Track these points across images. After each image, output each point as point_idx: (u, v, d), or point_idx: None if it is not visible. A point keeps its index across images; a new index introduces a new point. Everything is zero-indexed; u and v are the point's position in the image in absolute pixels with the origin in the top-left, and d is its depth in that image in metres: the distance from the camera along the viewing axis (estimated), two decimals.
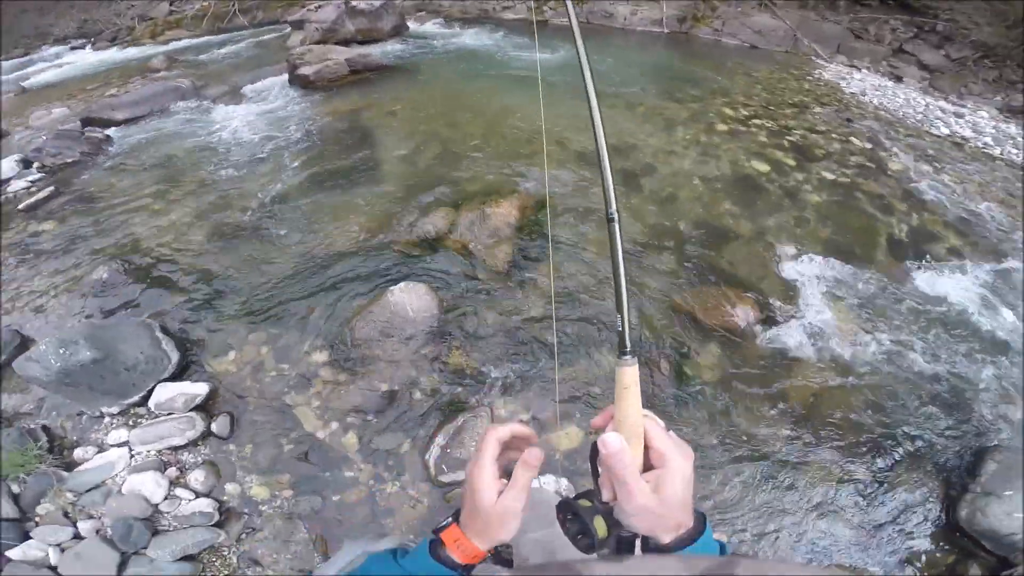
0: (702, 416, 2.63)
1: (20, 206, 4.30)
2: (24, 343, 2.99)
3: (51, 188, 4.51)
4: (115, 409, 2.61)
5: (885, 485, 2.44)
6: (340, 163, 4.38)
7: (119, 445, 2.48)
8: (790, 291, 3.33)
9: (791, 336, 3.03)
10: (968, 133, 6.24)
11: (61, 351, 2.58)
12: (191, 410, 2.58)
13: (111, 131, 5.49)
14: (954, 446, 2.61)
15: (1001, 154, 5.86)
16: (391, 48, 7.46)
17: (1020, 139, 6.32)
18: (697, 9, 8.83)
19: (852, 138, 5.31)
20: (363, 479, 2.35)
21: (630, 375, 0.63)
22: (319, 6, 8.05)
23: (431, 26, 8.73)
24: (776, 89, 6.47)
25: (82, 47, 11.99)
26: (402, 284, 2.94)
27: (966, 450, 2.59)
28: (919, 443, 2.61)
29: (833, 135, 5.30)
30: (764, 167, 4.47)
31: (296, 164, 4.43)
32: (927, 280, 3.58)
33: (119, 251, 3.55)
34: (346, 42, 7.39)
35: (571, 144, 4.51)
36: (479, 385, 2.67)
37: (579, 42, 0.89)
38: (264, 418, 2.56)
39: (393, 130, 4.91)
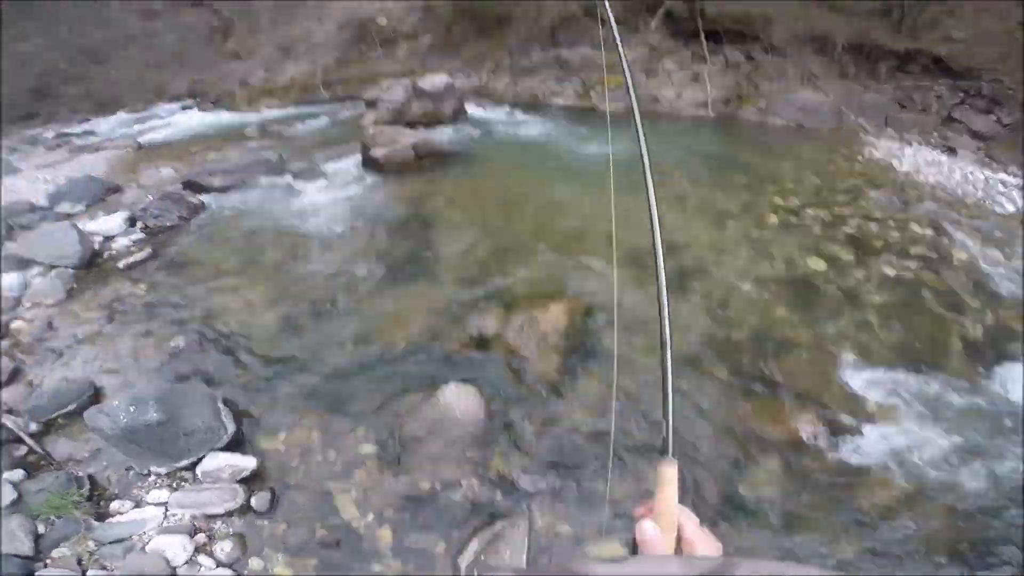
0: (763, 529, 2.54)
1: (120, 264, 4.85)
2: (97, 395, 3.33)
3: (149, 250, 5.02)
4: (164, 470, 2.80)
5: None
6: (402, 253, 4.72)
7: (157, 504, 2.62)
8: (856, 401, 3.23)
9: (860, 448, 2.93)
10: None
11: (131, 409, 2.83)
12: (236, 482, 2.72)
13: (207, 197, 6.09)
14: None
15: None
16: (451, 132, 8.00)
17: None
18: (741, 89, 9.09)
19: (912, 224, 5.21)
20: None
21: (670, 473, 0.72)
22: (390, 86, 8.78)
23: (487, 111, 9.31)
24: (826, 172, 6.46)
25: (191, 107, 13.70)
26: (452, 385, 3.07)
27: None
28: (1007, 556, 2.44)
29: (890, 222, 5.22)
30: (820, 265, 4.45)
31: (362, 250, 4.80)
32: (1007, 383, 3.37)
33: (197, 321, 3.95)
34: (412, 124, 8.01)
35: (623, 243, 4.58)
36: (519, 492, 2.70)
37: (644, 153, 0.95)
38: (304, 499, 2.66)
39: (451, 221, 5.22)
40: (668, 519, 0.69)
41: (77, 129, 13.49)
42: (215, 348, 3.67)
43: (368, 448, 2.90)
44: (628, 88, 1.09)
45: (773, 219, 5.19)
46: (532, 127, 8.31)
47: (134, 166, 8.07)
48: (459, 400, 3.00)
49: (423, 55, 12.15)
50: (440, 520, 2.59)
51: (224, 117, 11.52)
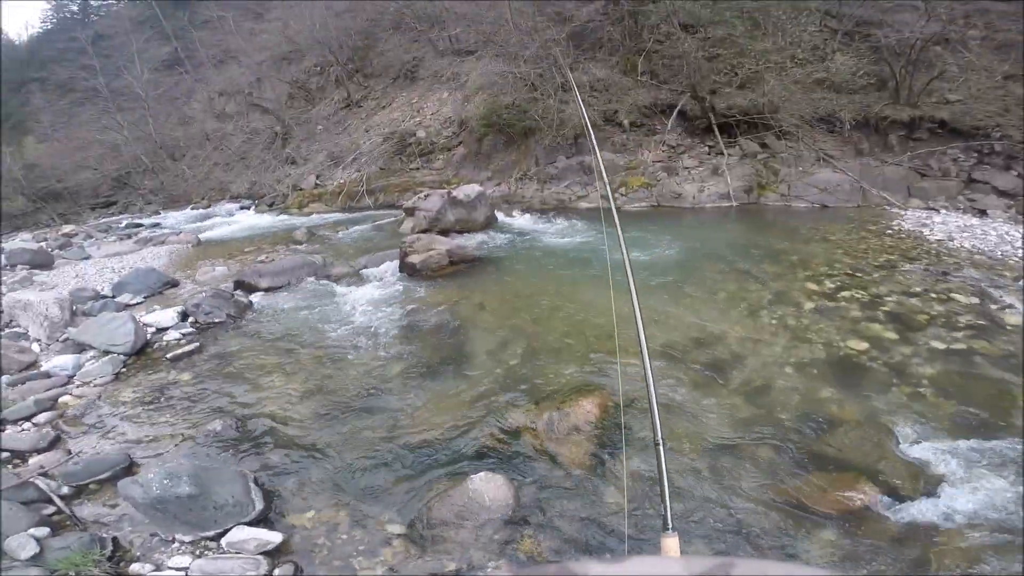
0: None
1: (168, 355, 5.13)
2: (131, 467, 3.51)
3: (197, 344, 5.33)
4: (188, 538, 2.80)
5: None
6: (435, 352, 4.87)
7: (178, 569, 2.60)
8: (915, 469, 3.07)
9: (921, 510, 2.78)
10: None
11: (165, 481, 2.93)
12: (260, 554, 2.70)
13: (255, 297, 6.48)
14: None
15: None
16: (483, 239, 8.43)
17: None
18: (760, 176, 9.49)
19: (954, 294, 5.13)
20: None
21: (672, 544, 0.82)
22: (427, 195, 9.52)
23: (516, 218, 9.81)
24: (857, 251, 6.50)
25: (247, 207, 15.01)
26: (482, 474, 3.10)
27: None
28: None
29: (932, 295, 5.16)
30: (862, 345, 4.37)
31: (397, 350, 4.97)
32: None
33: (236, 409, 4.12)
34: (446, 231, 8.57)
35: (655, 338, 4.64)
36: (519, 567, 2.66)
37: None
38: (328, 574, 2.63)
39: (483, 324, 5.39)
40: None
41: (147, 220, 15.03)
42: (251, 433, 3.85)
43: (395, 529, 2.93)
44: (606, 191, 1.42)
45: (809, 305, 5.18)
46: (559, 231, 8.66)
47: (192, 261, 8.76)
48: (488, 487, 3.04)
49: (457, 165, 13.28)
50: None
51: (277, 220, 12.47)
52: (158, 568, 2.71)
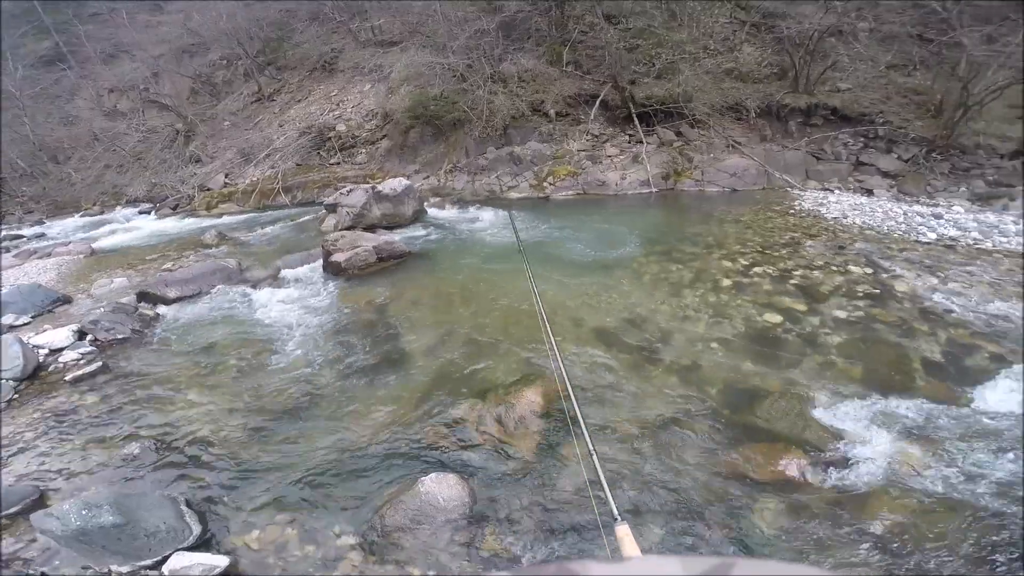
0: (780, 561, 2.54)
1: (67, 377, 4.67)
2: (42, 499, 3.26)
3: (99, 363, 4.85)
4: (124, 569, 2.64)
5: None
6: (369, 353, 4.68)
7: None
8: (836, 435, 3.33)
9: (849, 477, 3.02)
10: (953, 232, 6.57)
11: (84, 512, 2.76)
12: None
13: (162, 308, 5.89)
14: None
15: (993, 247, 6.13)
16: (412, 233, 8.18)
17: (1004, 226, 6.63)
18: (677, 164, 9.95)
19: (850, 266, 5.66)
20: None
21: (624, 531, 0.91)
22: (351, 190, 9.03)
23: (446, 210, 9.60)
24: (765, 230, 7.02)
25: (148, 212, 13.42)
26: (432, 475, 3.05)
27: None
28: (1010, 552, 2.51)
29: (832, 267, 5.67)
30: (776, 317, 4.74)
31: (329, 354, 4.73)
32: (978, 394, 3.59)
33: (154, 430, 3.81)
34: (372, 227, 8.17)
35: (587, 322, 4.85)
36: (519, 564, 2.66)
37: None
38: None
39: (417, 320, 5.26)
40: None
41: (29, 231, 13.29)
42: (174, 455, 3.58)
43: (350, 540, 2.82)
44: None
45: (726, 282, 5.52)
46: (490, 222, 8.60)
47: (86, 274, 7.84)
48: (441, 488, 2.99)
49: (382, 159, 12.80)
50: None
51: (183, 224, 11.39)
52: None
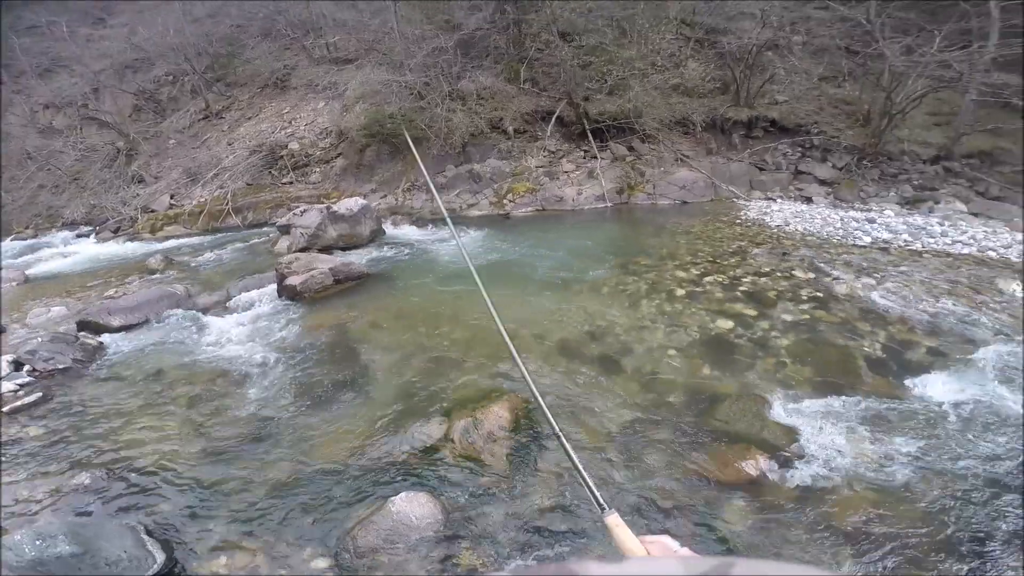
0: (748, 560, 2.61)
1: (5, 408, 4.41)
2: None
3: (39, 394, 4.62)
4: None
5: None
6: (330, 377, 4.57)
7: None
8: (793, 434, 3.48)
9: (808, 474, 3.14)
10: (886, 235, 7.06)
11: (38, 542, 2.67)
12: None
13: (105, 337, 5.56)
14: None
15: (923, 248, 6.62)
16: (370, 254, 8.02)
17: (931, 227, 7.18)
18: (630, 178, 10.28)
19: (794, 271, 5.99)
20: None
21: (614, 520, 0.88)
22: (304, 210, 8.79)
23: (405, 229, 9.50)
24: (715, 240, 7.34)
25: (87, 235, 12.59)
26: (403, 494, 3.00)
27: None
28: (979, 539, 2.66)
29: (777, 273, 5.97)
30: (728, 323, 4.95)
31: (288, 379, 4.59)
32: (919, 386, 3.84)
33: (104, 460, 3.64)
34: (329, 248, 7.97)
35: (550, 336, 4.92)
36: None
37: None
38: None
39: (378, 342, 5.16)
40: (638, 550, 0.81)
41: None
42: (128, 483, 3.42)
43: (323, 564, 2.76)
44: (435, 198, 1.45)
45: (680, 291, 5.73)
46: (450, 240, 8.49)
47: (19, 302, 7.33)
48: (412, 507, 2.95)
49: (337, 178, 12.61)
50: None
51: (125, 248, 10.83)
52: None
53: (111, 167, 15.91)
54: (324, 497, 3.22)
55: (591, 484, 1.01)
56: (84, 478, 3.47)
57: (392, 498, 3.00)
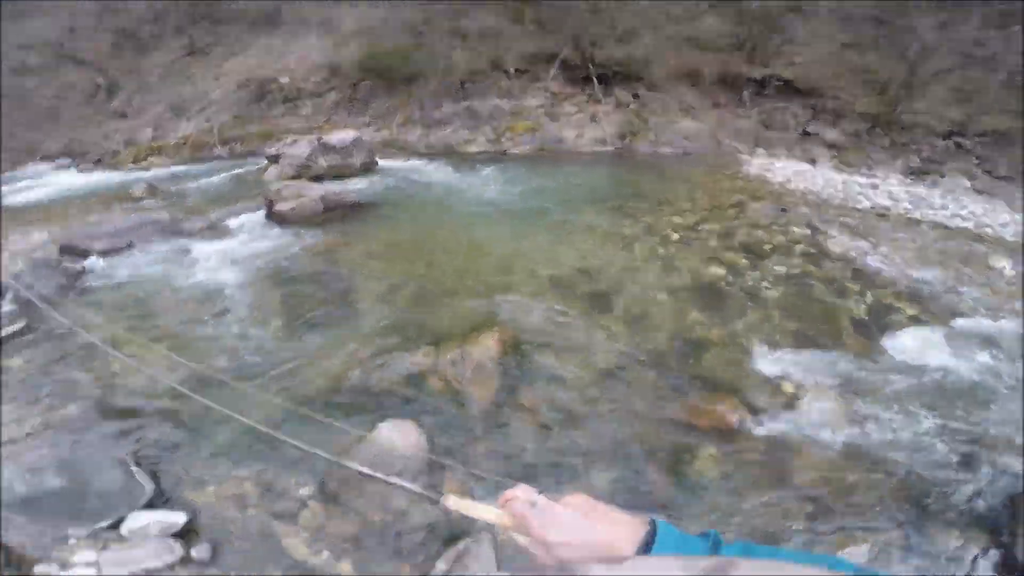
0: (711, 512, 2.65)
1: None
2: None
3: (23, 322, 4.38)
4: (83, 531, 2.55)
5: (924, 547, 2.46)
6: (319, 304, 4.48)
7: (87, 564, 2.39)
8: (773, 386, 3.49)
9: (784, 426, 3.15)
10: (887, 202, 6.98)
11: (28, 476, 2.67)
12: (169, 536, 2.53)
13: (88, 262, 5.38)
14: (987, 496, 2.68)
15: (921, 218, 6.54)
16: (362, 185, 7.82)
17: (932, 199, 7.09)
18: (633, 124, 9.99)
19: (791, 227, 5.89)
20: None
21: (452, 501, 0.83)
22: (294, 140, 8.56)
23: (400, 162, 9.25)
24: (714, 191, 7.20)
25: (67, 167, 12.11)
26: (388, 422, 2.98)
27: (999, 497, 2.67)
28: (946, 501, 2.69)
29: (774, 227, 5.88)
30: (720, 271, 4.89)
31: (276, 305, 4.51)
32: (898, 349, 3.83)
33: (91, 388, 3.57)
34: (319, 178, 7.74)
35: (542, 272, 4.83)
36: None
37: None
38: (249, 546, 2.50)
39: (369, 269, 5.08)
40: (491, 513, 0.77)
41: None
42: (115, 414, 3.34)
43: (307, 491, 2.77)
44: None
45: (675, 236, 5.66)
46: (446, 174, 8.40)
47: None
48: (397, 435, 2.92)
49: (329, 112, 12.15)
50: (401, 546, 2.50)
51: (108, 177, 10.43)
52: (65, 566, 2.41)
53: (90, 103, 15.26)
54: (309, 424, 3.10)
55: (414, 487, 1.02)
56: (71, 409, 3.39)
57: (379, 424, 2.96)
